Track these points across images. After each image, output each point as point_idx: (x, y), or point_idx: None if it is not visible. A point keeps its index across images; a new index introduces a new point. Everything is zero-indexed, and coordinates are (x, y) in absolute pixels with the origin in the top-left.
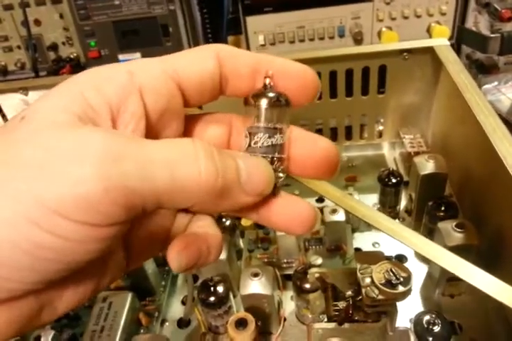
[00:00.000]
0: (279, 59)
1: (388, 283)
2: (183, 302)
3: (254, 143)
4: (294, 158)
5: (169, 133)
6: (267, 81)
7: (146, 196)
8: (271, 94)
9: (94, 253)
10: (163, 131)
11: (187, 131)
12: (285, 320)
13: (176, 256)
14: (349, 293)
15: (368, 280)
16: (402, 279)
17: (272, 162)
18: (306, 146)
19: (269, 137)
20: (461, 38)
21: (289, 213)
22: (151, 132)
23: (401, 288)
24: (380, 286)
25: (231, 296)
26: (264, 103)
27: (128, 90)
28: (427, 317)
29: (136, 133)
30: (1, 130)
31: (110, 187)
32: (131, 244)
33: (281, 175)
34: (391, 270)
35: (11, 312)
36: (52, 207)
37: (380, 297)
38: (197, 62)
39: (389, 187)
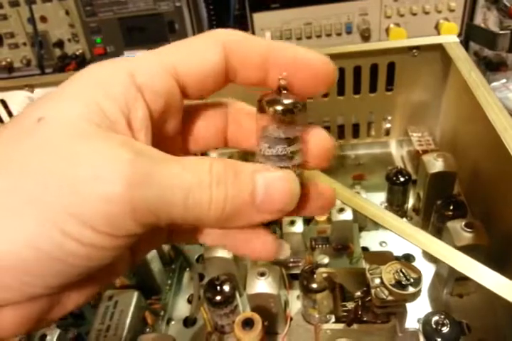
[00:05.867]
0: (292, 46)
1: (398, 284)
2: (189, 301)
3: (270, 152)
4: None
5: (168, 129)
6: (282, 82)
7: (162, 217)
8: (287, 102)
9: (111, 259)
10: (163, 127)
11: (185, 124)
12: (291, 319)
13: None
14: (358, 293)
15: (377, 280)
16: (412, 280)
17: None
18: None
19: (286, 145)
20: (470, 34)
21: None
22: (152, 130)
23: (411, 289)
24: (390, 287)
25: (237, 295)
26: (279, 111)
27: (133, 94)
28: (435, 318)
29: (147, 137)
30: (14, 128)
31: (135, 209)
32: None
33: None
34: (401, 270)
35: (22, 312)
36: (82, 220)
37: (390, 298)
38: (200, 55)
39: (397, 185)
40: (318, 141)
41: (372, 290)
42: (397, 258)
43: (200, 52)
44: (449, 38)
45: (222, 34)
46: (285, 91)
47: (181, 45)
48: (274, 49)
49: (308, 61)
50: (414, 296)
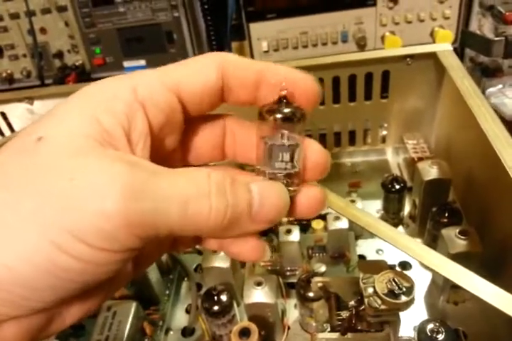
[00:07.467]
0: (282, 68)
1: (391, 293)
2: (187, 311)
3: (269, 158)
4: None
5: (168, 143)
6: (283, 93)
7: (159, 229)
8: (287, 110)
9: (110, 273)
10: (163, 142)
11: (184, 137)
12: (289, 328)
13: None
14: (352, 302)
15: (370, 290)
16: (404, 289)
17: (287, 176)
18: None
19: (285, 152)
20: (465, 41)
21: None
22: (152, 144)
23: (404, 298)
24: (383, 296)
25: (235, 305)
26: (279, 118)
27: (134, 108)
28: (430, 326)
29: (144, 150)
30: (14, 148)
31: (130, 224)
32: (140, 253)
33: (293, 188)
34: (393, 280)
35: (21, 326)
36: (76, 235)
37: (383, 307)
38: (198, 73)
39: (392, 193)
40: (312, 154)
41: (366, 300)
42: (391, 267)
43: (200, 71)
44: (443, 46)
45: (220, 55)
46: (285, 101)
47: (182, 64)
48: (267, 70)
49: (299, 81)
50: (406, 305)
